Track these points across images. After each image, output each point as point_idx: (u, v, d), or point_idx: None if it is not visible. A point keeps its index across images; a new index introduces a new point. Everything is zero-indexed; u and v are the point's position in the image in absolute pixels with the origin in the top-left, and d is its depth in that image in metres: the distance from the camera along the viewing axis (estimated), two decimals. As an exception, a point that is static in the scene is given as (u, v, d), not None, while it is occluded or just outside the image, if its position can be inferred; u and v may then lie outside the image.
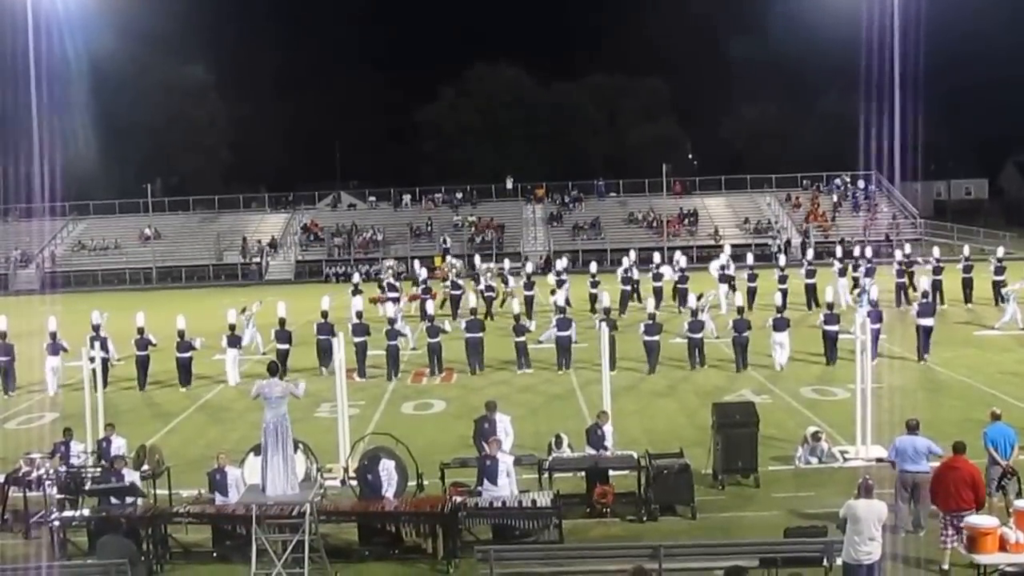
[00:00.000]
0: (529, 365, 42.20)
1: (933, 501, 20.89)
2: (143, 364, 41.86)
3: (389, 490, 23.08)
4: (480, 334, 42.46)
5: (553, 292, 53.38)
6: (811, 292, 54.66)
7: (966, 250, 57.21)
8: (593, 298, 54.69)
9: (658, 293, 54.83)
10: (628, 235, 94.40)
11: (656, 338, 41.12)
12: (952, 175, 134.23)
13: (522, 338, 42.62)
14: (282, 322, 43.37)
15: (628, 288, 57.19)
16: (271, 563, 19.83)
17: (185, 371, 41.78)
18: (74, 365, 36.13)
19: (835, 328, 40.88)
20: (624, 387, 36.86)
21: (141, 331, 42.06)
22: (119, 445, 26.35)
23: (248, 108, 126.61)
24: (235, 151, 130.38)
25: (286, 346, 42.46)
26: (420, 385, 40.55)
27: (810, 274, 55.19)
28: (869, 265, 55.08)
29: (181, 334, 41.87)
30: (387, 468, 23.25)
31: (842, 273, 55.16)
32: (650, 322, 41.43)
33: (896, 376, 37.67)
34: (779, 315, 41.35)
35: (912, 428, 22.40)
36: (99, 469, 24.69)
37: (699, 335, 41.56)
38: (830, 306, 42.13)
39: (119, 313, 47.24)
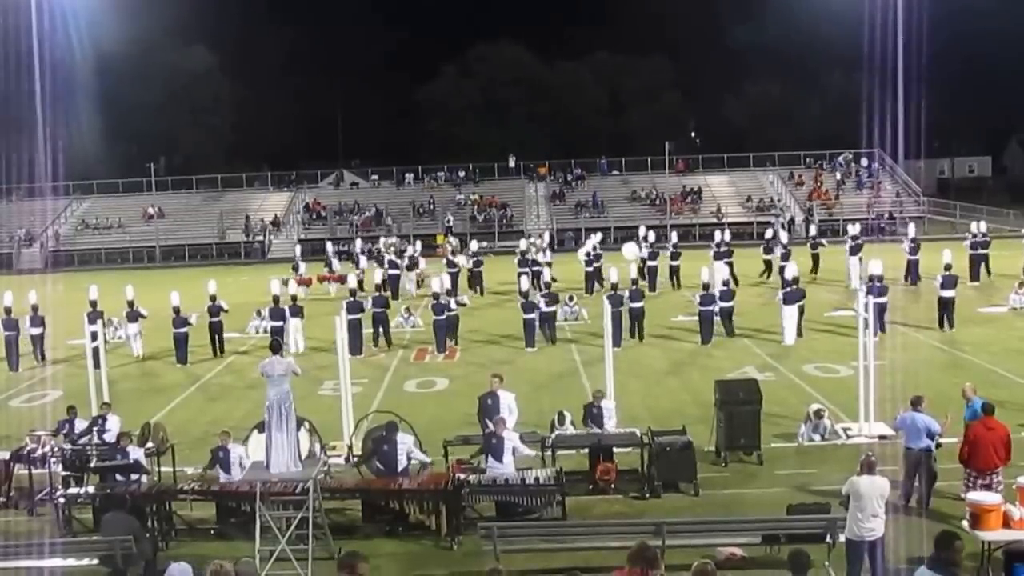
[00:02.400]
0: (534, 344, 42.33)
1: (968, 462, 21.11)
2: (216, 329, 43.58)
3: (413, 458, 23.21)
4: (554, 308, 43.09)
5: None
6: (914, 267, 54.36)
7: (976, 227, 56.62)
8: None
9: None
10: (631, 213, 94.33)
11: (710, 308, 42.02)
12: (955, 153, 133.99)
13: (531, 315, 42.72)
14: (276, 300, 43.47)
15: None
16: (275, 539, 19.90)
17: (182, 347, 42.04)
18: (76, 343, 36.35)
19: (884, 300, 41.09)
20: (627, 364, 36.85)
21: (213, 298, 43.42)
22: (114, 424, 26.40)
23: (251, 87, 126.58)
24: (238, 130, 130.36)
25: (280, 323, 42.55)
26: (423, 363, 40.64)
27: (854, 250, 54.57)
28: (912, 243, 54.40)
29: (176, 310, 42.12)
30: (406, 442, 23.31)
31: (854, 251, 54.93)
32: (704, 292, 42.48)
33: (899, 353, 37.67)
34: (789, 289, 41.59)
35: (914, 404, 22.47)
36: (96, 447, 24.84)
37: (710, 308, 41.98)
38: (880, 279, 42.26)
39: (118, 292, 47.03)
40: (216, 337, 43.38)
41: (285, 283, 50.51)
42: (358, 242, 70.57)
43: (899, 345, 38.98)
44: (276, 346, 22.10)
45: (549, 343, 42.38)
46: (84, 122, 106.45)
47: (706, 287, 42.99)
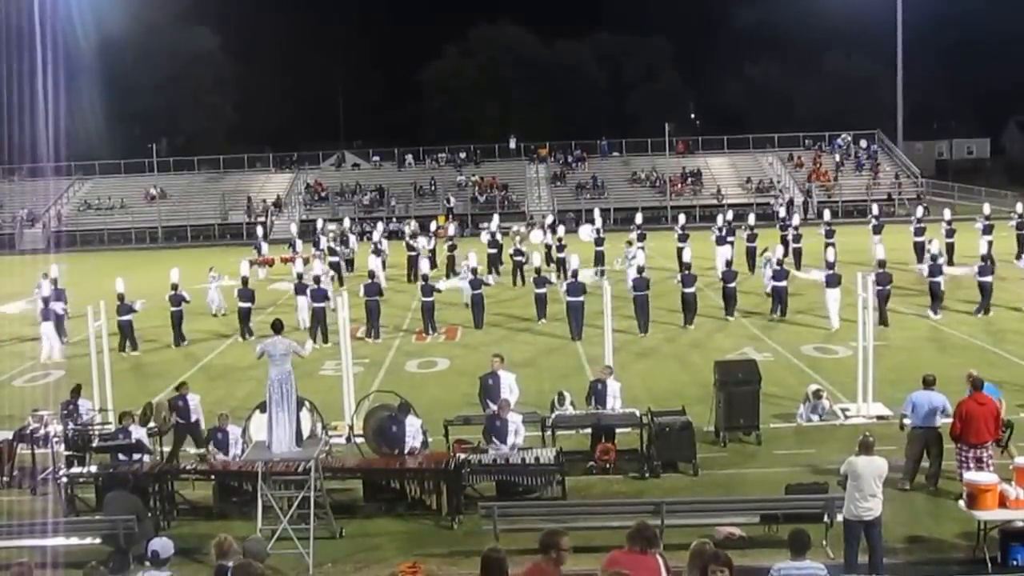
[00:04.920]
0: (544, 315, 43.19)
1: (961, 437, 21.37)
2: (177, 320, 42.20)
3: (415, 443, 23.35)
4: (581, 298, 40.30)
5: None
6: (919, 249, 52.72)
7: (986, 209, 56.00)
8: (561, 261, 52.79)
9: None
10: (631, 194, 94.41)
11: (732, 285, 42.84)
12: (954, 134, 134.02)
13: (543, 290, 43.46)
14: (244, 281, 43.44)
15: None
16: (276, 519, 20.01)
17: (126, 335, 40.87)
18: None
19: (989, 279, 41.06)
20: (628, 345, 37.02)
21: (175, 287, 42.30)
22: (196, 403, 26.40)
23: (253, 68, 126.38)
24: (240, 111, 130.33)
25: (248, 304, 42.70)
26: (424, 343, 40.72)
27: (919, 232, 53.74)
28: (949, 227, 53.69)
29: (120, 297, 40.81)
30: (414, 424, 23.43)
31: (876, 231, 54.76)
32: (726, 269, 43.33)
33: (898, 334, 37.80)
34: (830, 271, 40.80)
35: (929, 384, 22.68)
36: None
37: (732, 284, 42.77)
38: (984, 259, 42.13)
39: (125, 272, 47.05)
40: (176, 327, 42.14)
41: (252, 264, 50.40)
42: (346, 221, 70.54)
43: (898, 326, 39.04)
44: (278, 326, 22.17)
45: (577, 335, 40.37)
46: (86, 102, 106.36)
47: (728, 264, 43.72)
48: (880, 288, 39.23)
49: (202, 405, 26.88)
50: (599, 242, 55.86)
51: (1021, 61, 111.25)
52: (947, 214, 55.78)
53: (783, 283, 42.89)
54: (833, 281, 40.15)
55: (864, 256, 51.81)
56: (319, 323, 40.25)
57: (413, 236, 60.66)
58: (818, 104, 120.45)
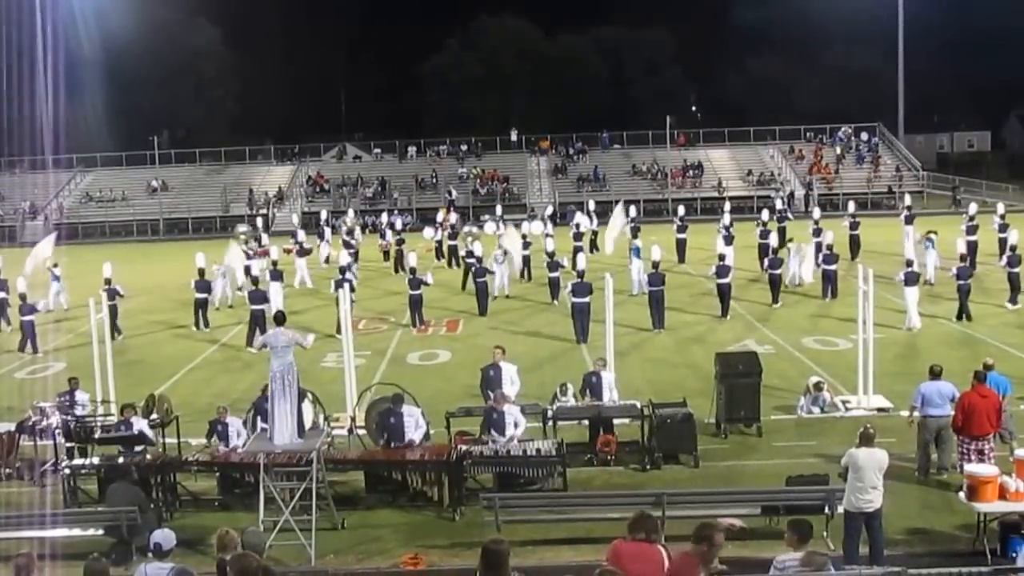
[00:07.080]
0: (558, 297, 44.49)
1: (963, 429, 21.53)
2: (113, 314, 40.81)
3: (417, 434, 23.31)
4: (587, 299, 38.39)
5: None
6: (974, 246, 51.73)
7: None
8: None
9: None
10: (632, 187, 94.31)
11: (778, 271, 43.94)
12: (955, 128, 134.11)
13: (556, 274, 45.31)
14: (201, 272, 43.72)
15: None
16: (279, 510, 20.05)
17: (28, 335, 39.79)
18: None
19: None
20: (628, 338, 37.01)
21: (108, 281, 41.82)
22: (82, 398, 26.45)
23: (253, 60, 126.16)
24: (241, 103, 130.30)
25: (204, 295, 43.33)
26: (426, 335, 40.74)
27: (971, 231, 51.48)
28: (1002, 221, 51.95)
29: (23, 296, 40.81)
30: (413, 414, 23.44)
31: (908, 221, 54.63)
32: (772, 256, 44.88)
33: (898, 327, 37.76)
34: (909, 269, 39.02)
35: (936, 374, 22.85)
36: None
37: (777, 271, 43.90)
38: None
39: (125, 265, 47.08)
40: (112, 321, 39.91)
41: (249, 256, 50.23)
42: (259, 222, 70.51)
43: (897, 319, 38.96)
44: (280, 317, 22.18)
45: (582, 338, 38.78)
46: (88, 95, 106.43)
47: (775, 252, 45.27)
48: (961, 282, 39.60)
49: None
50: (578, 237, 54.66)
51: (1022, 54, 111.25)
52: (1000, 208, 54.82)
53: (833, 267, 44.10)
54: (912, 279, 38.64)
55: (895, 248, 51.92)
56: (257, 326, 38.36)
57: (350, 233, 59.94)
58: (819, 97, 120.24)
